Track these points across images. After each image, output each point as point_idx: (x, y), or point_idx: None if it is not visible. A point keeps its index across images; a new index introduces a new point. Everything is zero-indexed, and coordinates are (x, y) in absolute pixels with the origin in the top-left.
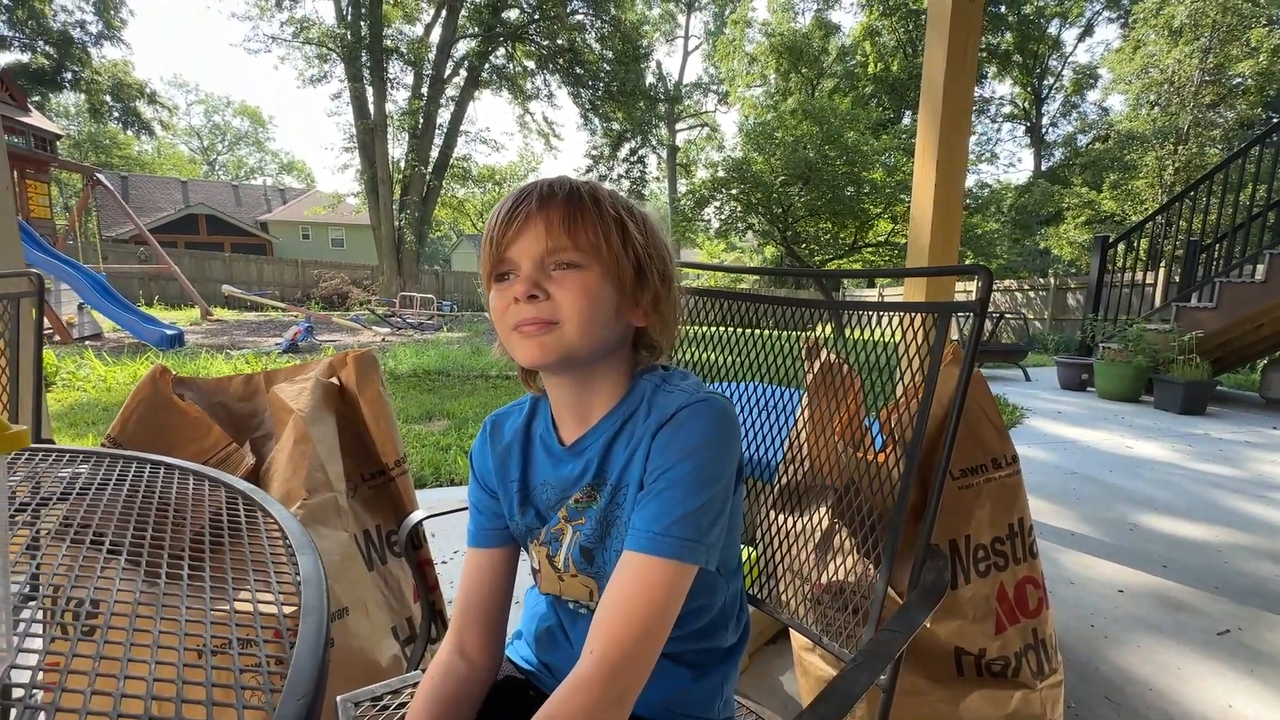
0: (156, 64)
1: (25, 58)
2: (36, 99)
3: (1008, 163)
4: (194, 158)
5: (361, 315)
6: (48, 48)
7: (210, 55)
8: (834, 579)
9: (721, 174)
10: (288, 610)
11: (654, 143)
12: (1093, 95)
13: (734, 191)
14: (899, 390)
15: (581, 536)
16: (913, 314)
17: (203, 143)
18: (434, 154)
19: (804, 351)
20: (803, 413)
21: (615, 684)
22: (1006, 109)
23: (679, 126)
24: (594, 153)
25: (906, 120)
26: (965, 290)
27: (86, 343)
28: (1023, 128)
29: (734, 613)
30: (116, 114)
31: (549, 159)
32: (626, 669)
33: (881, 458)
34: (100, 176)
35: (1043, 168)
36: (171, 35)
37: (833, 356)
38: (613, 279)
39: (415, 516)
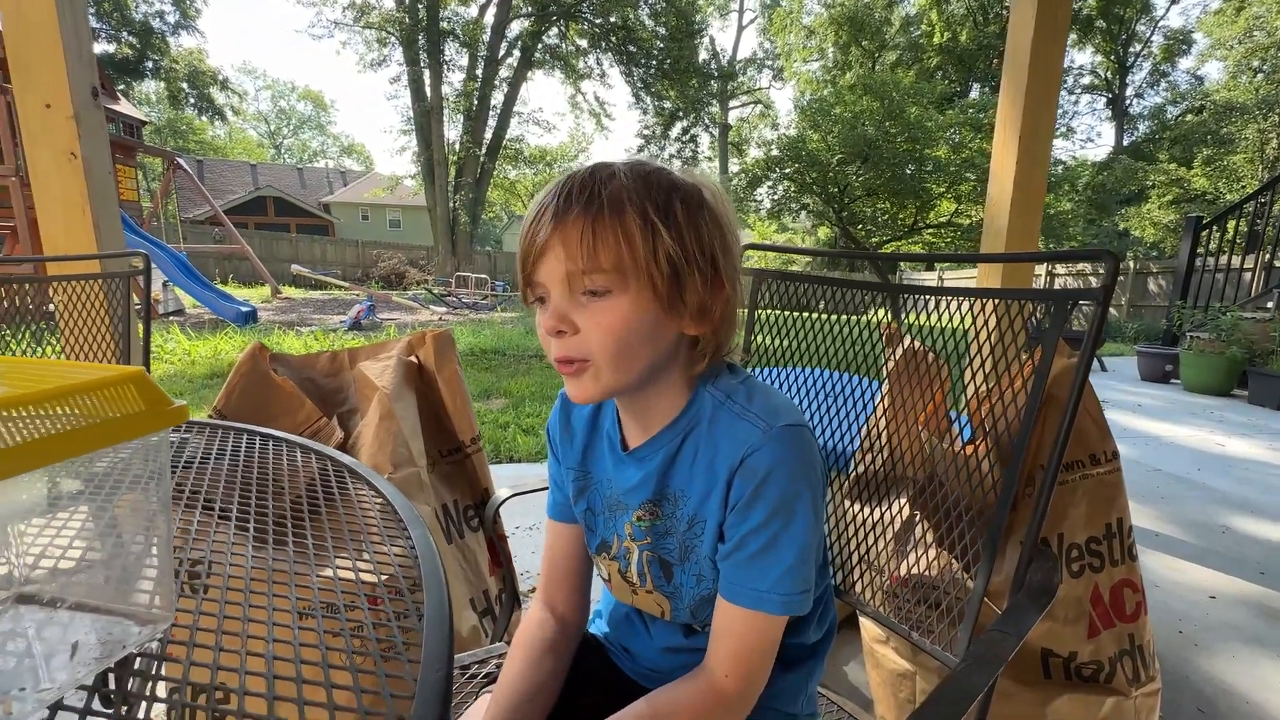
0: (228, 51)
1: (111, 48)
2: (121, 87)
3: (1085, 137)
4: (262, 141)
5: (419, 295)
6: (131, 38)
7: (277, 41)
8: (913, 572)
9: (775, 153)
10: (391, 572)
11: (706, 121)
12: (1185, 63)
13: (788, 171)
14: (974, 378)
15: (663, 552)
16: (1014, 301)
17: (270, 127)
18: (487, 136)
19: (884, 337)
20: (882, 400)
21: (747, 704)
22: (1086, 79)
23: (732, 104)
24: (645, 132)
25: (974, 94)
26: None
27: (170, 318)
28: (1104, 99)
29: (819, 609)
30: (192, 100)
31: (600, 139)
32: (751, 697)
33: (972, 449)
34: (180, 160)
35: (1125, 142)
36: (241, 22)
37: (917, 343)
38: (648, 295)
39: (503, 494)
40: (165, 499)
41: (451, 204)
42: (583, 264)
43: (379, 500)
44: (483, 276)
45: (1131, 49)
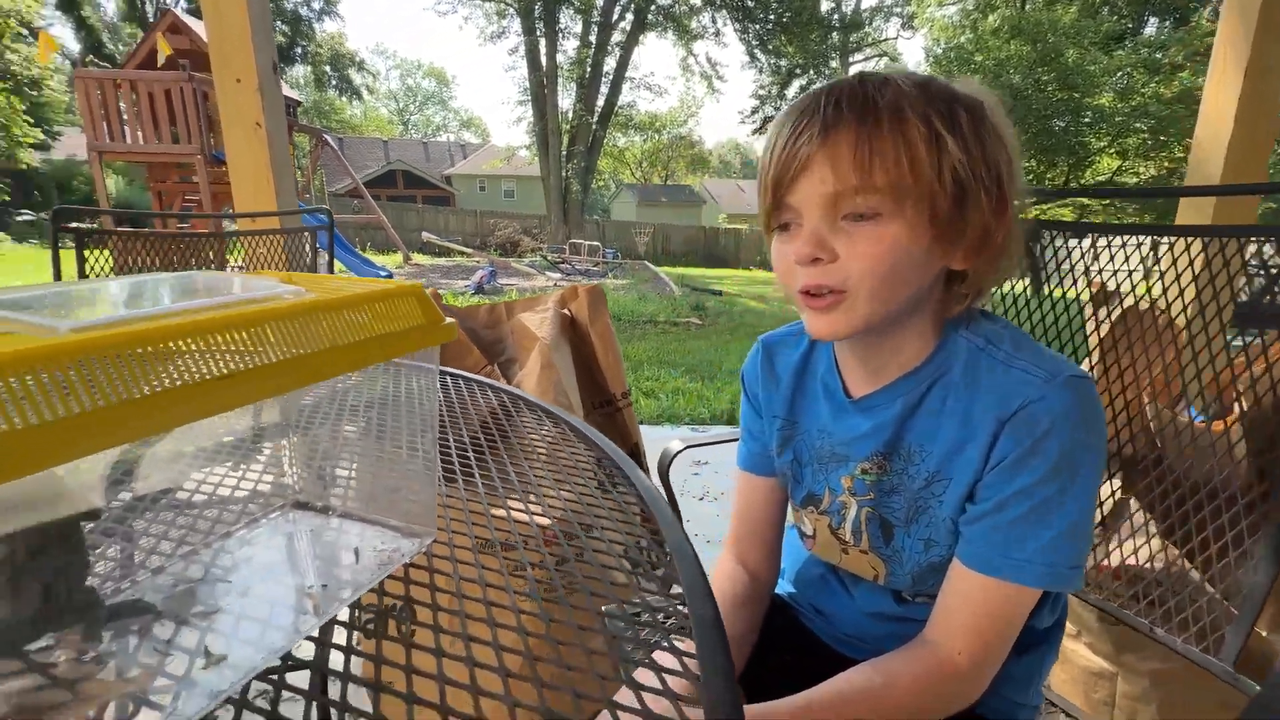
0: (363, 34)
1: None
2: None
3: None
4: (391, 119)
5: (535, 261)
6: (284, 26)
7: (405, 20)
8: (1124, 562)
9: None
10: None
11: (827, 76)
12: None
13: None
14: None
15: (885, 510)
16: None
17: (398, 104)
18: (599, 103)
19: (1090, 298)
20: (1090, 369)
21: (980, 684)
22: None
23: (854, 58)
24: (760, 92)
25: (1150, 29)
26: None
27: None
28: None
29: (1052, 594)
30: (334, 82)
31: (710, 102)
32: (985, 677)
33: (1218, 426)
34: (327, 137)
35: None
36: (374, 3)
37: (1141, 304)
38: (923, 220)
39: (675, 445)
40: (432, 414)
41: (564, 173)
42: (855, 182)
43: (583, 443)
44: (595, 244)
45: None
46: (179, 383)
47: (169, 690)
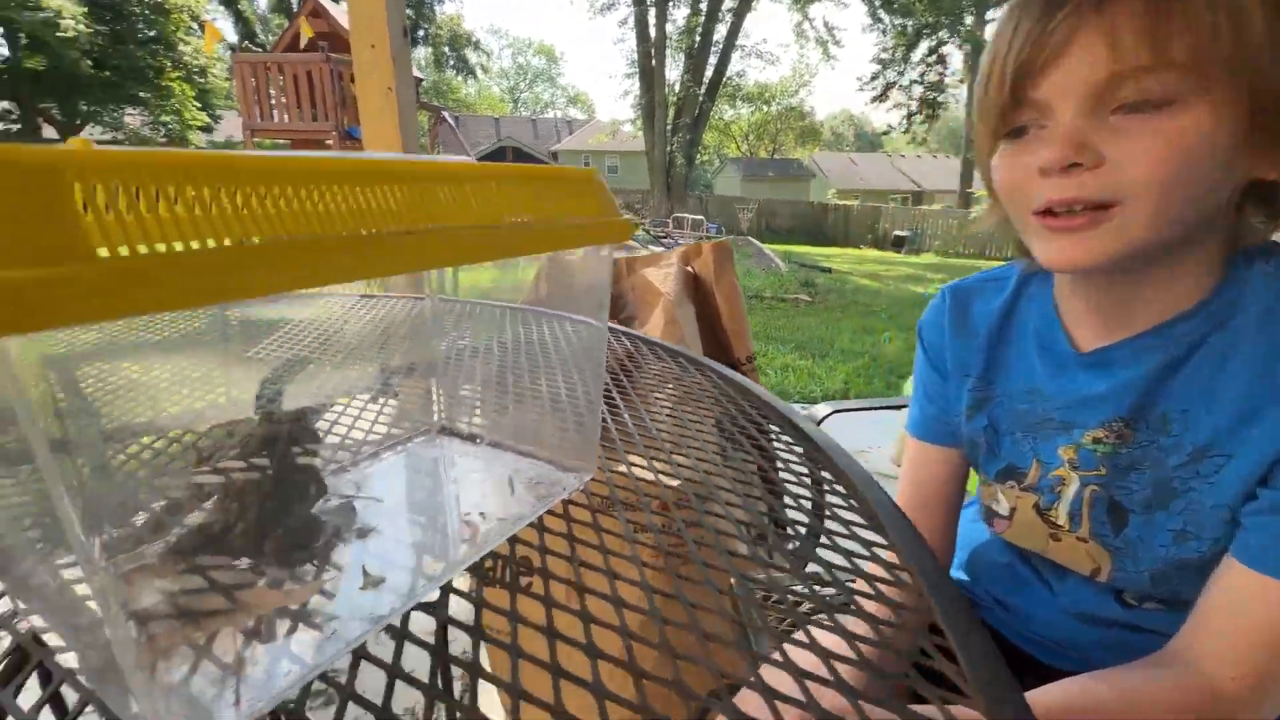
0: (477, 14)
1: None
2: None
3: None
4: (503, 97)
5: (639, 235)
6: (408, 10)
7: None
8: None
9: None
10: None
11: (961, 35)
12: None
13: None
14: None
15: (1118, 491)
16: None
17: (509, 82)
18: (708, 74)
19: None
20: None
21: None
22: None
23: (989, 16)
24: (883, 56)
25: None
26: None
27: None
28: None
29: None
30: (451, 62)
31: (824, 70)
32: (1260, 711)
33: None
34: (445, 115)
35: None
36: None
37: None
38: (1238, 107)
39: (821, 410)
40: (601, 335)
41: (669, 147)
42: (1143, 59)
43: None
44: (698, 218)
45: None
46: (345, 234)
47: (325, 609)
